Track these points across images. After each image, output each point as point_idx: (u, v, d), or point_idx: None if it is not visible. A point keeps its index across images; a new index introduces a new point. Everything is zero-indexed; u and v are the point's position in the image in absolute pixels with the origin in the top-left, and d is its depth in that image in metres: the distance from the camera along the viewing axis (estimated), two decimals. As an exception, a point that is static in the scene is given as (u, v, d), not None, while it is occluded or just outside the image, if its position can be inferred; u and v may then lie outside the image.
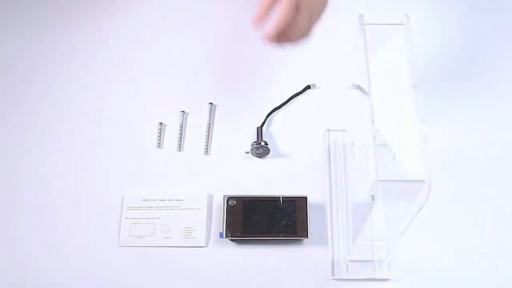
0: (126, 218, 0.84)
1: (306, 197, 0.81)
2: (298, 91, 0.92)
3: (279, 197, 0.82)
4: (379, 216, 0.81)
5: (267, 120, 0.90)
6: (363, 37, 0.66)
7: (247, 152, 0.87)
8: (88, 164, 0.89)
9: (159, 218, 0.84)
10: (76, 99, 0.94)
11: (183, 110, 0.92)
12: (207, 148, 0.89)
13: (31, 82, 0.96)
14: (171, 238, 0.83)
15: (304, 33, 0.72)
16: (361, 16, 0.70)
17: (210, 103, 0.92)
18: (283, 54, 0.95)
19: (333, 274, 0.79)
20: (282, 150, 0.89)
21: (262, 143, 0.86)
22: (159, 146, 0.90)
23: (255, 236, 0.80)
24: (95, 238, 0.83)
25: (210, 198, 0.86)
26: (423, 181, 0.55)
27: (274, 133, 0.90)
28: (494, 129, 0.89)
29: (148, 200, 0.85)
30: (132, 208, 0.85)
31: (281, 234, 0.80)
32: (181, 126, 0.91)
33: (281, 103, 0.91)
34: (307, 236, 0.79)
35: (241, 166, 0.88)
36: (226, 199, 0.82)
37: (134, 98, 0.94)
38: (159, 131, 0.91)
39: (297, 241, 0.82)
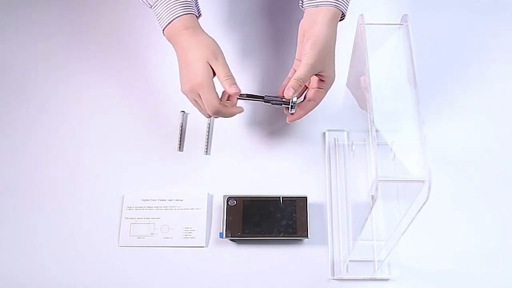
0: (126, 218, 0.84)
1: (306, 197, 0.81)
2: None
3: (279, 197, 0.82)
4: (379, 216, 0.81)
5: None
6: (363, 37, 0.66)
7: None
8: (88, 164, 0.89)
9: (159, 218, 0.84)
10: (76, 99, 0.94)
11: (183, 110, 0.92)
12: (207, 148, 0.89)
13: (34, 81, 0.96)
14: (171, 238, 0.83)
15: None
16: (361, 16, 0.70)
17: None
18: (284, 54, 0.95)
19: (333, 274, 0.79)
20: (282, 150, 0.89)
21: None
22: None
23: (255, 236, 0.80)
24: (95, 238, 0.83)
25: (210, 198, 0.86)
26: (423, 181, 0.55)
27: (274, 133, 0.90)
28: (494, 129, 0.89)
29: (148, 200, 0.85)
30: (132, 208, 0.85)
31: (281, 234, 0.80)
32: (181, 126, 0.91)
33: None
34: (307, 236, 0.79)
35: (241, 166, 0.88)
36: (226, 199, 0.82)
37: (134, 99, 0.94)
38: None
39: (297, 241, 0.82)
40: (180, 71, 0.78)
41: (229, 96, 0.79)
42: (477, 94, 0.92)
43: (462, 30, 0.98)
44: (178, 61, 0.78)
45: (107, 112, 0.93)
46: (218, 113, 0.77)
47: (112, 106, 0.93)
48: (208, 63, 0.76)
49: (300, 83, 0.75)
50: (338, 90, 0.89)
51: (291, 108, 0.79)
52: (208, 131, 0.90)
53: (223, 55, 0.78)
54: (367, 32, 0.68)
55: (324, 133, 0.89)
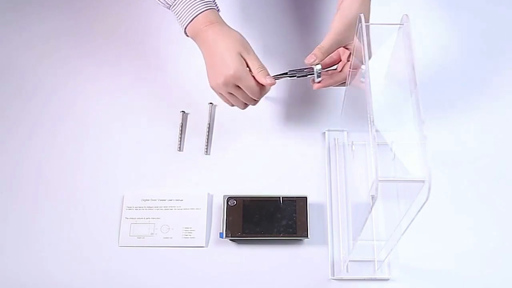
0: (126, 218, 0.84)
1: (306, 197, 0.81)
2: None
3: (279, 197, 0.82)
4: (379, 216, 0.81)
5: None
6: (363, 37, 0.66)
7: None
8: (88, 164, 0.89)
9: (159, 218, 0.84)
10: (77, 100, 0.94)
11: (183, 110, 0.92)
12: (207, 148, 0.89)
13: (34, 81, 0.96)
14: (171, 238, 0.83)
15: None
16: (361, 16, 0.70)
17: (210, 103, 0.92)
18: (284, 55, 0.95)
19: (333, 274, 0.79)
20: (282, 150, 0.89)
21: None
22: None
23: (255, 236, 0.80)
24: (95, 238, 0.83)
25: (210, 198, 0.86)
26: (423, 181, 0.55)
27: (274, 133, 0.90)
28: (494, 129, 0.89)
29: (148, 200, 0.85)
30: (132, 208, 0.85)
31: (281, 234, 0.80)
32: (181, 126, 0.91)
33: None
34: (307, 236, 0.79)
35: (241, 166, 0.88)
36: (226, 199, 0.82)
37: (134, 99, 0.94)
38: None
39: (297, 241, 0.82)
40: (207, 67, 0.77)
41: None
42: (477, 94, 0.92)
43: (462, 30, 0.98)
44: (205, 57, 0.78)
45: (107, 112, 0.93)
46: (260, 97, 0.79)
47: (112, 106, 0.93)
48: (240, 54, 0.75)
49: (322, 52, 0.74)
50: (338, 90, 0.89)
51: (317, 77, 0.78)
52: (208, 131, 0.91)
53: (251, 47, 0.78)
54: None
55: (324, 133, 0.89)
